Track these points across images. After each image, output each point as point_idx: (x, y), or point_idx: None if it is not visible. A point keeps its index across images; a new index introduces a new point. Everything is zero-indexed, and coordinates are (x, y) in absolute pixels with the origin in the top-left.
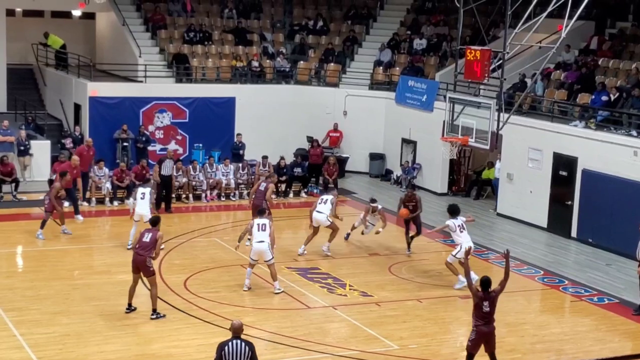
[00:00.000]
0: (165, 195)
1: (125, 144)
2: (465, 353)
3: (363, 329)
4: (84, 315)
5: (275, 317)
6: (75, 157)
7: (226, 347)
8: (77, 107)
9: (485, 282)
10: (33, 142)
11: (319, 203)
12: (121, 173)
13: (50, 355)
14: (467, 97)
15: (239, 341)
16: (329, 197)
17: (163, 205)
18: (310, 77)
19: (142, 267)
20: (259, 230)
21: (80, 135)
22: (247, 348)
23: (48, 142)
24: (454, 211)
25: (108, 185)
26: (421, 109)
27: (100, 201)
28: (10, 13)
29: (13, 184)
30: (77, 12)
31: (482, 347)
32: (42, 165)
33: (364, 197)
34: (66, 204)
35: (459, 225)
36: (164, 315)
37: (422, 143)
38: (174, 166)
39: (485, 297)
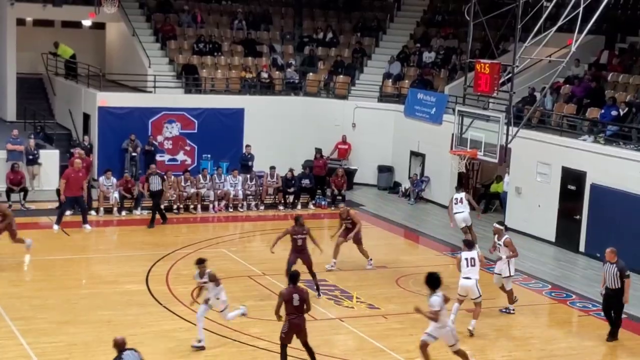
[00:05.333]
0: (156, 209)
1: (134, 154)
2: None
3: (370, 341)
4: (91, 324)
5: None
6: (77, 160)
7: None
8: (86, 117)
9: (293, 276)
10: (42, 152)
11: (455, 203)
12: (126, 183)
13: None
14: (476, 111)
15: (129, 351)
16: (462, 195)
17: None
18: (319, 88)
19: None
20: (467, 266)
21: (89, 145)
22: (137, 354)
23: (57, 151)
24: (469, 245)
25: (116, 195)
26: (430, 121)
27: (108, 211)
28: (20, 22)
29: (22, 193)
30: (87, 22)
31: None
32: (50, 175)
33: (371, 210)
34: (68, 212)
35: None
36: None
37: (430, 156)
38: (163, 181)
39: (295, 291)
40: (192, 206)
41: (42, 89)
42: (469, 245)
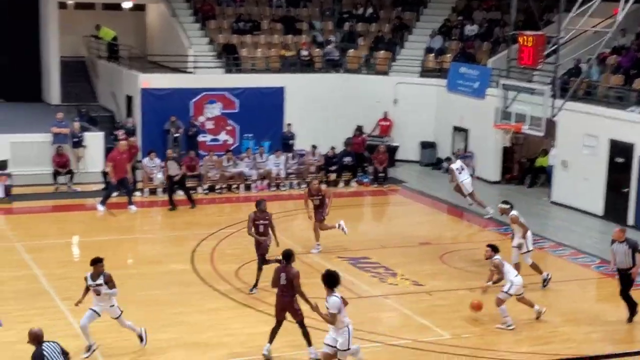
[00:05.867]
0: (185, 194)
1: (176, 135)
2: None
3: (414, 318)
4: (138, 304)
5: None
6: (122, 142)
7: (44, 352)
8: (129, 99)
9: (287, 255)
10: (86, 134)
11: (459, 172)
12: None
13: (107, 343)
14: (520, 84)
15: (47, 343)
16: (459, 162)
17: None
18: (359, 65)
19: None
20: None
21: (133, 127)
22: (57, 344)
23: (101, 133)
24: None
25: (160, 175)
26: (473, 96)
27: (153, 192)
28: (62, 6)
29: (68, 175)
30: (127, 4)
31: None
32: (95, 157)
33: (414, 186)
34: (114, 194)
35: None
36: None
37: (474, 131)
38: (180, 166)
39: (284, 270)
40: (234, 186)
41: (85, 72)
42: (497, 250)
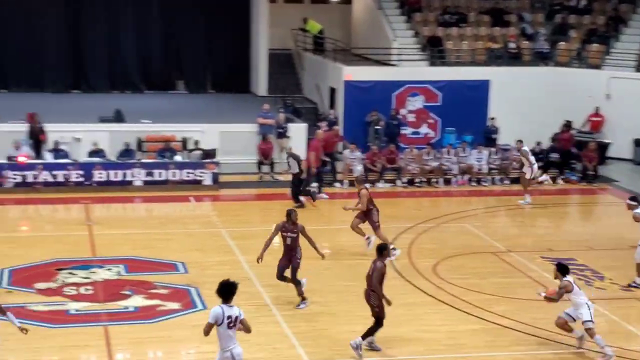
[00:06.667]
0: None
1: (377, 127)
2: None
3: (623, 325)
4: (337, 294)
5: (527, 308)
6: (319, 131)
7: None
8: (333, 91)
9: (378, 248)
10: (291, 125)
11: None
12: (373, 156)
13: (304, 331)
14: None
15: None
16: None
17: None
18: (571, 58)
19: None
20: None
21: (335, 118)
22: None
23: (305, 125)
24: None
25: (360, 167)
26: None
27: (352, 184)
28: (272, 0)
29: (270, 165)
30: None
31: None
32: (298, 148)
33: (626, 186)
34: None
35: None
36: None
37: None
38: (299, 163)
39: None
40: (434, 180)
41: (291, 64)
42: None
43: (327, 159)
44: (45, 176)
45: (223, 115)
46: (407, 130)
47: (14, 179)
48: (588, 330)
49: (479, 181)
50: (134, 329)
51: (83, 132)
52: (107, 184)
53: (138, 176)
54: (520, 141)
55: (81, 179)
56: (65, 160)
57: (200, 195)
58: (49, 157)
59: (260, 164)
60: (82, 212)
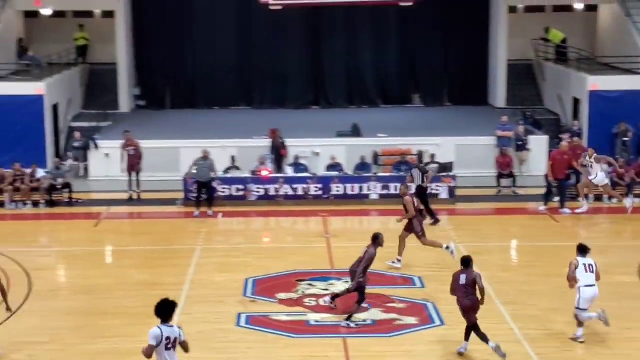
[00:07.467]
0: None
1: (625, 139)
2: None
3: None
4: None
5: None
6: (564, 143)
7: None
8: (576, 102)
9: (463, 260)
10: (531, 138)
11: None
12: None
13: (548, 352)
14: None
15: None
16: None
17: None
18: None
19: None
20: (587, 272)
21: (579, 130)
22: None
23: (545, 137)
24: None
25: (607, 181)
26: None
27: (598, 198)
28: (512, 10)
29: (511, 179)
30: (579, 6)
31: None
32: (538, 161)
33: None
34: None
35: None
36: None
37: None
38: (425, 176)
39: (463, 272)
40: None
41: (531, 74)
42: (584, 250)
43: (571, 171)
44: (286, 189)
45: (460, 128)
46: None
47: (258, 192)
48: (575, 315)
49: None
50: (372, 342)
51: (321, 147)
52: (344, 197)
53: (374, 189)
54: None
55: (320, 192)
56: (304, 175)
57: (436, 209)
58: (289, 171)
59: (499, 177)
60: (321, 224)
